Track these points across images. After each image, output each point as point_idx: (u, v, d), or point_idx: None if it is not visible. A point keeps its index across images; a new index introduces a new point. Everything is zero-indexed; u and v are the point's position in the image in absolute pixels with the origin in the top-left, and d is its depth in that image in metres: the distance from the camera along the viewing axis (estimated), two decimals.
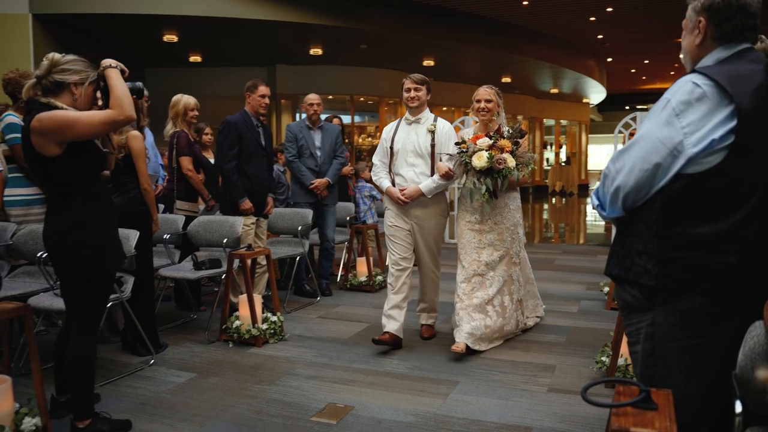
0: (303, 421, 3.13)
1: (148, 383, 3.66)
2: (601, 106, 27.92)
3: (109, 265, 2.94)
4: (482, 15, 12.70)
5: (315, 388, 3.56)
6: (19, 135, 4.01)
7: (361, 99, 16.17)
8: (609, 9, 12.50)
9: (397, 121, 4.52)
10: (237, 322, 4.42)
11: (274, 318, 4.51)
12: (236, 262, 4.55)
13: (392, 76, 15.31)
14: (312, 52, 13.12)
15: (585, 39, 15.53)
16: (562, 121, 24.48)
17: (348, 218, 6.64)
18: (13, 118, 4.29)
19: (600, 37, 15.30)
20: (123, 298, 3.79)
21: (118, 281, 3.78)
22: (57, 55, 2.85)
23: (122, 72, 2.89)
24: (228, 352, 4.25)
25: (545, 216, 15.67)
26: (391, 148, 4.41)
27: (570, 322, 4.97)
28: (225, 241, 4.65)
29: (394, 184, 4.39)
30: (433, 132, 4.31)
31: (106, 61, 2.87)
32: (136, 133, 3.92)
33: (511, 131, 4.18)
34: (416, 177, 4.30)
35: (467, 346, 4.04)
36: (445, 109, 18.65)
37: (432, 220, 4.36)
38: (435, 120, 4.39)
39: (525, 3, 11.93)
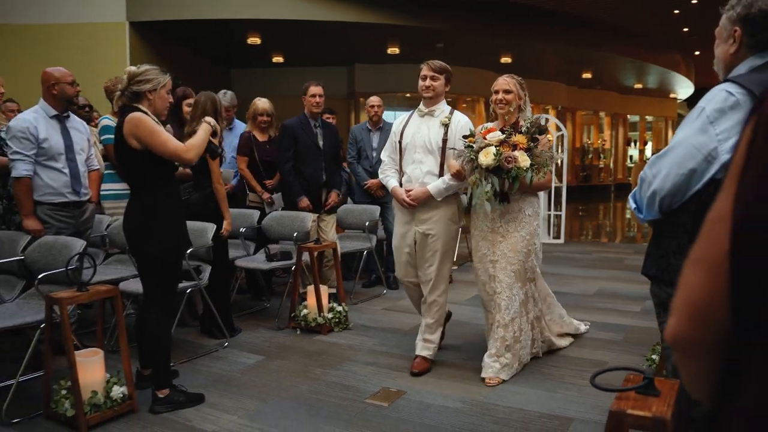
0: (358, 402, 3.39)
1: (221, 363, 4.02)
2: (690, 101, 26.88)
3: (173, 250, 3.36)
4: (561, 11, 12.60)
5: (372, 374, 3.81)
6: (112, 136, 4.47)
7: None
8: (694, 1, 12.14)
9: (410, 113, 4.02)
10: (304, 311, 4.74)
11: (340, 308, 4.79)
12: (305, 255, 4.86)
13: (469, 73, 15.39)
14: (389, 51, 13.40)
15: (669, 33, 15.07)
16: (647, 117, 23.76)
17: None
18: (108, 121, 4.77)
19: (686, 30, 14.83)
20: (201, 285, 4.16)
21: (197, 270, 4.16)
22: (132, 69, 3.29)
23: (214, 132, 3.58)
24: (295, 338, 4.57)
25: (627, 215, 15.34)
26: (400, 142, 3.94)
27: (630, 321, 5.00)
28: (295, 235, 4.97)
29: (401, 185, 3.92)
30: (447, 126, 3.78)
31: (208, 119, 3.59)
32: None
33: (529, 126, 3.60)
34: (422, 176, 3.80)
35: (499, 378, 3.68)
36: None
37: (439, 226, 3.81)
38: (451, 113, 3.86)
39: None
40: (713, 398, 0.79)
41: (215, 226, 4.23)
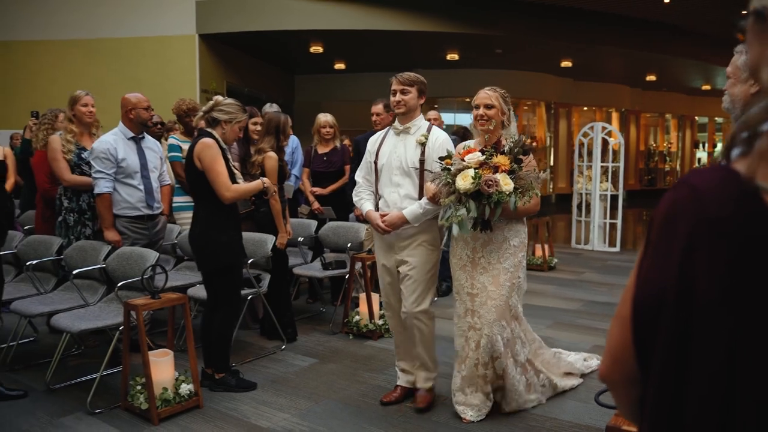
0: (401, 406, 3.66)
1: (278, 365, 4.36)
2: None
3: (229, 259, 3.77)
4: (622, 14, 12.49)
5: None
6: (177, 154, 5.05)
7: None
8: None
9: (386, 129, 3.73)
10: (357, 317, 5.04)
11: (380, 321, 5.05)
12: (358, 264, 5.16)
13: (529, 77, 15.45)
14: (449, 57, 13.59)
15: (734, 34, 14.68)
16: (716, 118, 23.08)
17: None
18: (174, 140, 5.21)
19: None
20: (260, 291, 4.52)
21: (257, 278, 4.51)
22: (219, 98, 3.79)
23: (267, 190, 4.06)
24: (347, 343, 4.87)
25: None
26: (375, 162, 3.62)
27: None
28: (349, 245, 5.27)
29: (378, 208, 3.61)
30: (423, 144, 3.47)
31: (268, 183, 4.04)
32: (272, 154, 4.63)
33: (512, 145, 3.26)
34: (400, 201, 3.50)
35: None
36: (585, 109, 18.40)
37: (418, 253, 3.51)
38: (429, 130, 3.54)
39: (667, 1, 11.61)
40: (638, 421, 1.03)
41: (274, 238, 4.58)
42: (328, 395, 3.83)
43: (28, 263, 4.45)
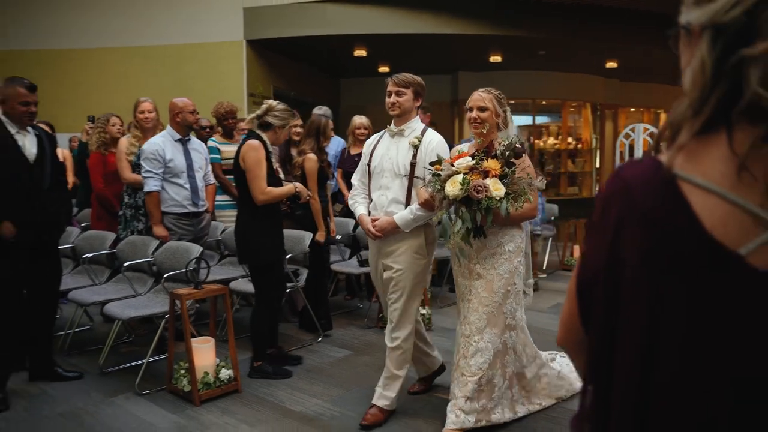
0: (429, 395, 3.82)
1: (313, 355, 4.58)
2: None
3: (267, 258, 4.00)
4: (667, 13, 12.34)
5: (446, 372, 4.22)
6: (216, 156, 5.37)
7: (543, 102, 16.36)
8: None
9: (382, 132, 3.63)
10: None
11: (424, 311, 5.23)
12: None
13: (574, 79, 15.37)
14: (492, 59, 13.65)
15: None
16: None
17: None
18: (213, 142, 5.51)
19: None
20: (298, 286, 4.74)
21: (295, 273, 4.74)
22: (273, 103, 4.02)
23: (299, 195, 4.21)
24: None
25: None
26: (369, 165, 3.55)
27: None
28: None
29: (370, 212, 3.55)
30: (416, 147, 3.37)
31: (300, 188, 4.18)
32: (311, 156, 4.85)
33: (503, 149, 3.10)
34: (387, 204, 3.41)
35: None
36: (633, 110, 18.15)
37: (404, 259, 3.40)
38: (423, 132, 3.44)
39: None
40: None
41: (312, 235, 4.79)
42: (359, 384, 4.02)
43: (84, 256, 4.80)
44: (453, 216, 3.14)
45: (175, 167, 4.60)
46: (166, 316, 3.92)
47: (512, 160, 3.08)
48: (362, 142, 6.07)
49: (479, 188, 2.96)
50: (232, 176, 5.26)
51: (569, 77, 15.14)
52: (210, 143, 5.55)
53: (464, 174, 3.03)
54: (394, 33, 11.08)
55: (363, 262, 5.50)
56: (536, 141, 16.49)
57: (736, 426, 0.90)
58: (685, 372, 0.92)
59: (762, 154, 0.88)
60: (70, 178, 6.22)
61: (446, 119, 14.46)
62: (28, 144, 3.78)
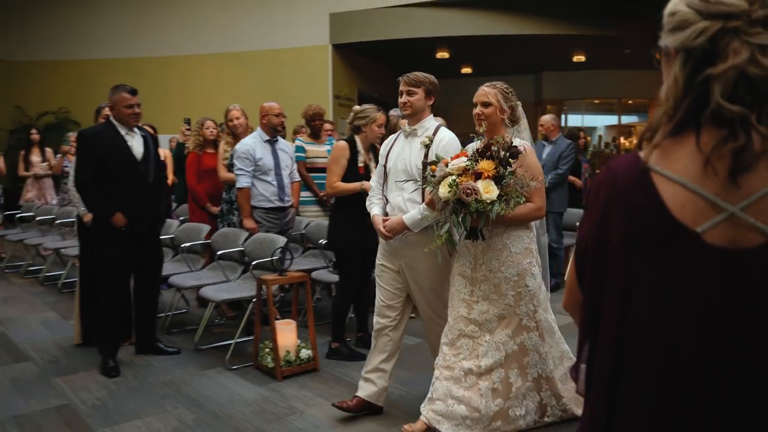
0: None
1: None
2: None
3: (341, 245, 4.40)
4: None
5: None
6: (301, 154, 5.79)
7: (629, 102, 16.06)
8: None
9: (398, 133, 3.61)
10: None
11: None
12: None
13: (661, 77, 14.98)
14: (575, 59, 13.57)
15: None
16: None
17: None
18: (299, 142, 5.93)
19: None
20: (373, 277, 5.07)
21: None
22: (356, 107, 4.49)
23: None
24: None
25: None
26: (385, 166, 3.53)
27: None
28: None
29: (387, 213, 3.49)
30: (428, 146, 3.31)
31: (367, 185, 4.21)
32: None
33: (497, 149, 2.97)
34: (403, 204, 3.36)
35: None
36: None
37: (422, 261, 3.33)
38: (436, 131, 3.39)
39: None
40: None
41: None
42: (427, 369, 4.26)
43: (182, 246, 5.32)
44: (440, 221, 3.08)
45: (263, 165, 5.03)
46: (254, 300, 4.34)
47: (510, 160, 2.96)
48: None
49: (468, 191, 2.86)
50: (315, 174, 5.75)
51: (656, 76, 14.62)
52: (297, 143, 5.96)
53: (457, 176, 2.94)
54: (477, 35, 11.23)
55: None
56: (623, 141, 16.21)
57: (688, 373, 1.12)
58: (650, 326, 1.16)
59: (723, 152, 1.11)
60: (170, 176, 6.83)
61: (530, 119, 14.44)
62: (136, 144, 4.29)
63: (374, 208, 3.53)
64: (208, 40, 12.22)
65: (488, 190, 2.86)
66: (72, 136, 7.90)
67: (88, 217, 4.66)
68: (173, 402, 3.79)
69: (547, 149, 6.60)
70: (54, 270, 7.22)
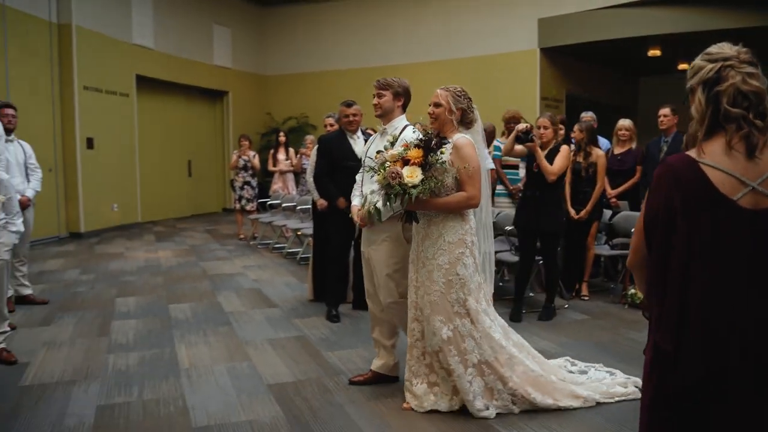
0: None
1: (559, 315, 5.64)
2: None
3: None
4: None
5: None
6: (498, 153, 6.55)
7: None
8: None
9: (378, 132, 4.04)
10: (632, 290, 5.95)
11: None
12: None
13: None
14: None
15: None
16: None
17: None
18: (497, 142, 6.80)
19: None
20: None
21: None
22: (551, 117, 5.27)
23: None
24: (621, 311, 5.84)
25: None
26: (363, 161, 3.99)
27: None
28: (633, 229, 6.20)
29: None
30: (392, 144, 3.59)
31: None
32: (599, 152, 6.12)
33: (419, 139, 3.38)
34: (371, 197, 3.69)
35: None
36: None
37: (381, 247, 3.76)
38: (403, 130, 3.80)
39: None
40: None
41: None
42: (586, 338, 4.97)
43: None
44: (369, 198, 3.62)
45: None
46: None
47: (434, 148, 3.31)
48: (624, 142, 6.82)
49: (393, 175, 3.25)
50: (508, 170, 6.63)
51: None
52: (495, 143, 6.85)
53: (392, 162, 3.33)
54: (687, 31, 11.06)
55: (614, 246, 6.32)
56: None
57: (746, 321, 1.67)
58: (706, 262, 1.69)
59: (737, 139, 1.72)
60: None
61: None
62: (356, 145, 5.48)
63: (354, 200, 4.00)
64: (429, 49, 13.54)
65: (411, 175, 3.25)
66: (308, 139, 10.07)
67: (321, 202, 5.95)
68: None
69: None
70: (293, 247, 9.08)
